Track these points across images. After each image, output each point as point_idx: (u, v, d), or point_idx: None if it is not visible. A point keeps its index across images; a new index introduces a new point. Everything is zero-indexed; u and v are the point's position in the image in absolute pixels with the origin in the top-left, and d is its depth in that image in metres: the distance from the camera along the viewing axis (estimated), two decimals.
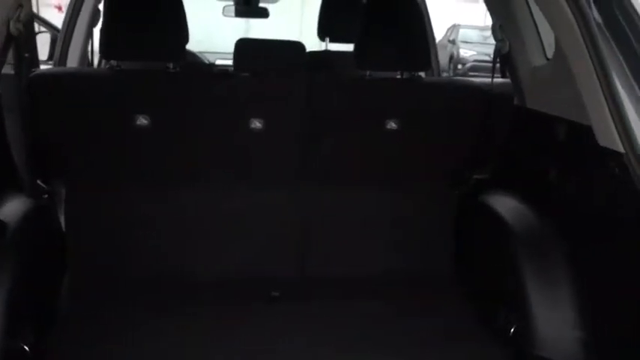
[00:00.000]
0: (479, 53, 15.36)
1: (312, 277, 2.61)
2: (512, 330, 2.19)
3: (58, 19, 4.58)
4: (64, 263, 2.50)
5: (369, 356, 2.17)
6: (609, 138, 1.75)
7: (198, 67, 4.04)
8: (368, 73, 2.50)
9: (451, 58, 16.64)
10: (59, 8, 13.42)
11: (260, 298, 2.46)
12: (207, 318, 2.33)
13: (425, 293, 2.56)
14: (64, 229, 2.55)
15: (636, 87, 1.76)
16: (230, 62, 2.61)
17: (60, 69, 3.02)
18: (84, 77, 2.59)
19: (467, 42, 16.71)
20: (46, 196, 2.52)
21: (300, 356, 2.16)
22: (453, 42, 17.08)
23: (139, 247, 2.57)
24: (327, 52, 3.86)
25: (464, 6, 20.55)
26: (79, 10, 3.38)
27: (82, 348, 2.13)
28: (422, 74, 2.62)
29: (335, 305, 2.45)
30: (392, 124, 2.53)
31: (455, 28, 17.50)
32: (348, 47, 3.37)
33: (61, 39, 3.36)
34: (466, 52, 16.46)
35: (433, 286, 2.61)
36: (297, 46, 2.58)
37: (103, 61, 3.63)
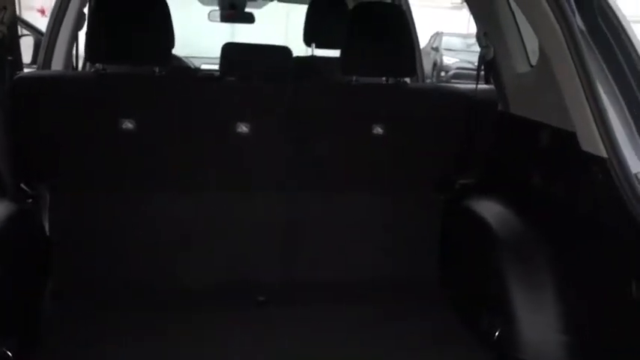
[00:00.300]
0: (462, 60, 15.49)
1: (299, 281, 2.61)
2: (496, 334, 2.20)
3: (40, 23, 4.54)
4: (48, 268, 2.47)
5: None
6: (592, 143, 1.78)
7: (185, 71, 4.03)
8: (354, 78, 2.51)
9: (434, 65, 16.76)
10: (42, 12, 13.30)
11: (248, 303, 2.46)
12: (194, 322, 2.32)
13: (411, 297, 2.57)
14: (48, 234, 2.52)
15: (618, 93, 1.80)
16: (216, 67, 2.61)
17: (45, 72, 2.99)
18: (69, 81, 2.57)
19: (450, 49, 16.85)
20: (30, 200, 2.50)
21: None
22: (437, 49, 17.21)
23: (125, 252, 2.55)
24: (313, 57, 3.88)
25: (447, 13, 20.75)
26: (64, 13, 3.35)
27: (66, 353, 2.10)
28: (407, 80, 2.64)
29: (322, 309, 2.45)
30: (378, 129, 2.54)
31: (438, 35, 17.64)
32: (334, 53, 3.39)
33: (46, 42, 3.32)
34: (449, 60, 16.59)
35: (419, 291, 2.62)
36: (283, 51, 2.59)
37: (88, 65, 3.61)
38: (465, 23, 16.21)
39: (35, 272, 2.37)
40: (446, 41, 17.19)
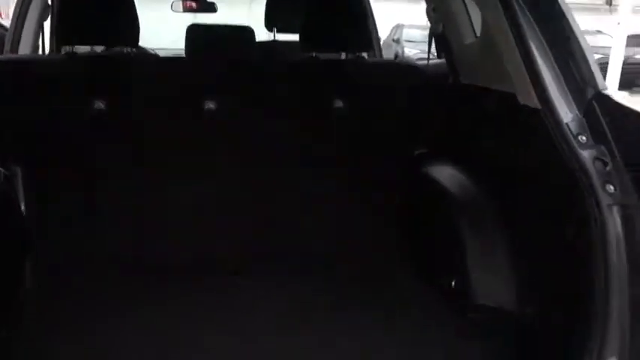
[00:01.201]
0: (422, 51, 15.67)
1: (270, 253, 2.69)
2: (452, 284, 2.37)
3: None
4: (25, 248, 2.53)
5: (329, 326, 2.25)
6: (528, 98, 1.97)
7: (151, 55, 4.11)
8: (314, 54, 2.66)
9: (396, 56, 16.94)
10: None
11: (222, 276, 2.51)
12: (169, 297, 2.36)
13: (375, 264, 2.70)
14: (24, 214, 2.59)
15: (550, 54, 1.97)
16: None
17: (14, 56, 3.05)
18: (39, 62, 2.65)
19: (411, 41, 17.07)
20: (2, 180, 2.55)
21: (268, 330, 2.22)
22: (398, 41, 17.40)
23: (99, 232, 2.62)
24: (274, 41, 4.02)
25: (405, 7, 20.99)
26: (29, 4, 3.41)
27: (50, 336, 2.13)
28: (365, 55, 2.79)
29: (293, 280, 2.52)
30: (339, 103, 2.68)
31: (399, 27, 17.84)
32: (294, 37, 3.52)
33: (11, 33, 3.37)
34: (410, 51, 16.79)
35: (383, 257, 2.75)
36: (246, 31, 2.72)
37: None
38: (423, 15, 16.43)
39: (12, 254, 2.42)
40: (406, 33, 17.39)
